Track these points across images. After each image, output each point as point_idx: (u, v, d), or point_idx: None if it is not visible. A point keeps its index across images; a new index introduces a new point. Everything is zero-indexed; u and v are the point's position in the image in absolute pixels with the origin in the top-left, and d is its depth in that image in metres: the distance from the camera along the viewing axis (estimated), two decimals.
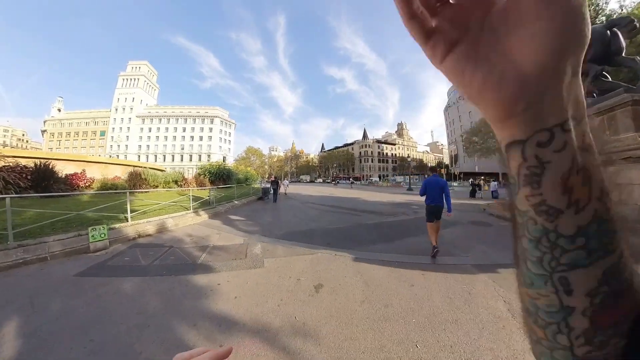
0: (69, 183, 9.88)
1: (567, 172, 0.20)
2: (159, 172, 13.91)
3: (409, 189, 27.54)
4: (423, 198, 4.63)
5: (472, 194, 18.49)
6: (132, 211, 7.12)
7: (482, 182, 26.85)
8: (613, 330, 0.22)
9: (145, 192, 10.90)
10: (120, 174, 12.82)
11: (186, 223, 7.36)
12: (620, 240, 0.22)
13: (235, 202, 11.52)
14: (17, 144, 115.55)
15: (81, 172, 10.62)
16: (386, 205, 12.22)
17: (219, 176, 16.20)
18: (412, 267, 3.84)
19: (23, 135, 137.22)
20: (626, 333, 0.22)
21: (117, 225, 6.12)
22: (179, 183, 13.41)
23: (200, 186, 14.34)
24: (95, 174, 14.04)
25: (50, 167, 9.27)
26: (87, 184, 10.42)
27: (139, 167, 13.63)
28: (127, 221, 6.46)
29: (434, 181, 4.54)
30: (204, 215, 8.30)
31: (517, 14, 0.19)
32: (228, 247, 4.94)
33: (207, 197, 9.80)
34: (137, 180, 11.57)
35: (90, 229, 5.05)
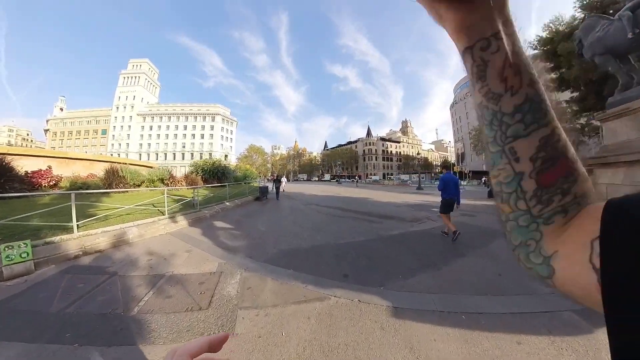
0: (29, 182, 8.31)
1: (502, 67, 0.29)
2: (142, 170, 12.30)
3: (419, 187, 25.64)
4: (439, 199, 5.19)
5: (491, 195, 16.56)
6: (90, 216, 5.57)
7: None
8: (554, 188, 0.29)
9: (124, 192, 9.32)
10: (97, 171, 11.25)
11: (155, 233, 5.72)
12: (552, 118, 0.29)
13: (227, 203, 9.85)
14: (21, 144, 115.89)
15: (45, 170, 9.04)
16: (401, 207, 10.46)
17: (213, 174, 14.57)
18: (503, 326, 2.12)
19: (27, 135, 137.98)
20: (566, 191, 0.29)
21: (56, 239, 4.48)
22: (166, 181, 11.80)
23: (191, 185, 12.75)
24: (81, 171, 12.62)
25: (4, 163, 7.70)
26: (51, 183, 8.83)
27: (118, 163, 12.04)
28: (73, 232, 4.82)
29: (450, 178, 5.18)
30: (181, 222, 6.64)
31: None
32: (191, 279, 3.26)
33: (191, 198, 8.15)
34: (113, 179, 9.98)
35: (3, 247, 3.46)
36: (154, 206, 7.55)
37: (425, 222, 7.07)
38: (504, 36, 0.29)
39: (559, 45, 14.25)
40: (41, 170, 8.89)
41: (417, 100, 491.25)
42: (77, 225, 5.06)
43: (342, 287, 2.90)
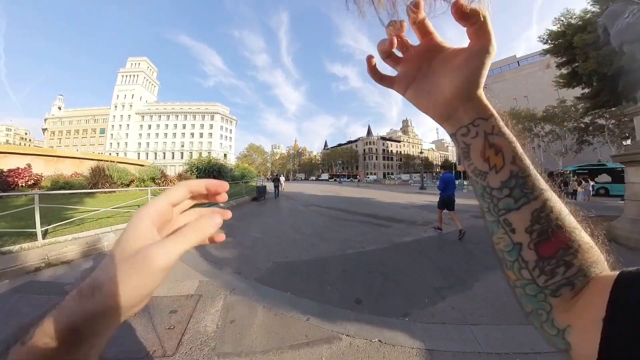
0: (4, 181, 7.61)
1: (483, 149, 0.30)
2: (131, 168, 11.59)
3: (422, 187, 24.96)
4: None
5: None
6: (64, 220, 4.87)
7: None
8: (556, 260, 0.28)
9: (110, 192, 8.61)
10: (86, 169, 10.53)
11: None
12: (541, 191, 0.29)
13: (221, 204, 9.14)
14: (20, 143, 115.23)
15: (24, 168, 8.32)
16: (409, 209, 9.78)
17: (208, 173, 13.85)
18: None
19: (26, 134, 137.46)
20: (569, 263, 0.28)
21: (14, 248, 3.80)
22: (157, 180, 11.08)
23: None
24: (70, 169, 11.91)
25: None
26: (30, 182, 8.12)
27: (106, 161, 11.33)
28: (37, 239, 4.13)
29: (449, 177, 5.49)
30: None
31: (445, 66, 0.31)
32: (161, 304, 2.56)
33: None
34: (99, 178, 9.27)
35: None
36: (135, 207, 6.86)
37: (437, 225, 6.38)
38: (481, 122, 0.30)
39: (574, 37, 13.52)
40: (19, 168, 8.17)
41: None
42: (46, 230, 4.40)
43: (355, 320, 2.20)
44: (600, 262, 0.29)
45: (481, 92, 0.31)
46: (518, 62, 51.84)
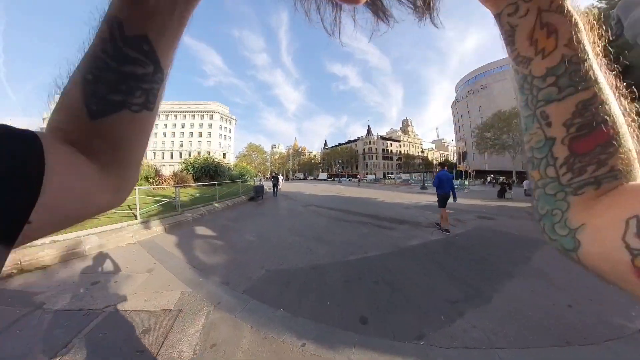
0: None
1: (531, 30, 0.26)
2: None
3: (423, 187, 24.64)
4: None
5: (501, 195, 15.96)
6: None
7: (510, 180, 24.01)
8: (589, 157, 0.26)
9: None
10: None
11: (121, 242, 4.65)
12: (595, 80, 0.26)
13: (216, 204, 8.77)
14: None
15: None
16: (411, 209, 9.43)
17: (205, 172, 13.47)
18: None
19: None
20: (603, 162, 0.26)
21: None
22: (151, 179, 10.71)
23: (180, 183, 11.69)
24: None
25: None
26: None
27: None
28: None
29: (445, 175, 5.71)
30: (156, 228, 5.56)
31: None
32: (135, 320, 2.20)
33: (173, 199, 7.07)
34: None
35: None
36: (130, 208, 6.49)
37: (443, 232, 6.02)
38: None
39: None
40: None
41: (418, 99, 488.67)
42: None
43: (360, 345, 1.83)
44: (637, 170, 0.27)
45: None
46: None
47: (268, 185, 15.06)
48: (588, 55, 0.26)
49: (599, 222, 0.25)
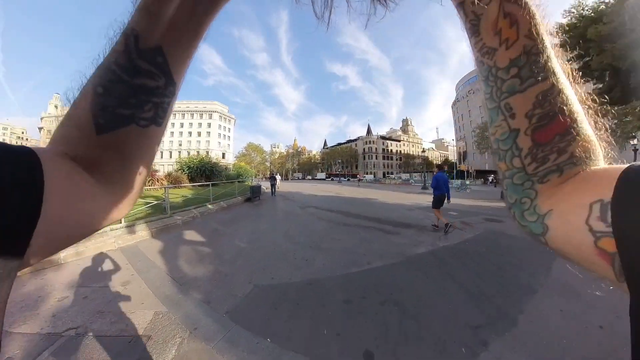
0: None
1: (496, 18, 0.27)
2: None
3: (424, 187, 24.21)
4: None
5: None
6: None
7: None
8: (550, 146, 0.27)
9: None
10: None
11: (101, 248, 4.26)
12: (552, 71, 0.27)
13: (210, 206, 8.35)
14: (16, 142, 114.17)
15: None
16: (415, 211, 9.01)
17: (200, 172, 13.05)
18: None
19: (22, 132, 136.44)
20: (562, 150, 0.27)
21: None
22: None
23: (174, 184, 11.29)
24: None
25: None
26: None
27: None
28: None
29: (442, 176, 5.81)
30: (141, 232, 5.16)
31: None
32: (95, 350, 1.80)
33: (163, 200, 6.65)
34: None
35: None
36: None
37: (451, 231, 5.62)
38: None
39: (588, 29, 12.78)
40: None
41: (417, 99, 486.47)
42: None
43: None
44: (596, 155, 0.27)
45: None
46: None
47: (266, 185, 14.69)
48: (546, 46, 0.27)
49: (564, 207, 0.26)
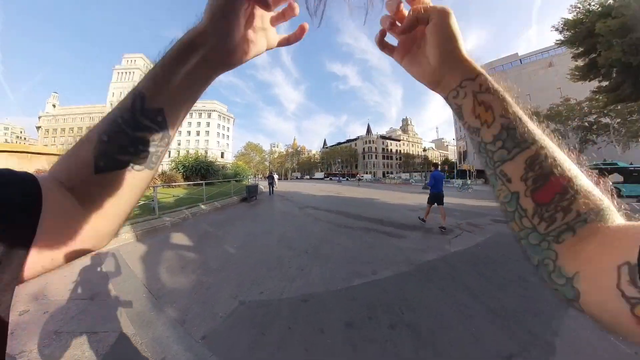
0: None
1: (472, 108, 0.32)
2: None
3: (425, 187, 23.82)
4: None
5: None
6: None
7: None
8: (553, 205, 0.27)
9: None
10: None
11: None
12: (534, 139, 0.29)
13: (203, 206, 7.95)
14: (15, 142, 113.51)
15: None
16: (418, 212, 8.59)
17: (196, 171, 12.64)
18: None
19: (21, 132, 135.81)
20: (567, 209, 0.27)
21: None
22: None
23: (167, 183, 10.90)
24: (47, 167, 10.81)
25: None
26: None
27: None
28: None
29: (439, 175, 6.02)
30: (126, 235, 4.75)
31: (427, 44, 0.36)
32: None
33: (152, 200, 6.25)
34: None
35: None
36: None
37: (460, 234, 5.23)
38: (468, 83, 0.33)
39: (595, 24, 12.38)
40: None
41: (417, 98, 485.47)
42: None
43: None
44: (605, 209, 0.27)
45: (465, 55, 0.34)
46: (520, 60, 50.72)
47: (264, 185, 14.33)
48: (521, 120, 0.30)
49: (591, 269, 0.25)
